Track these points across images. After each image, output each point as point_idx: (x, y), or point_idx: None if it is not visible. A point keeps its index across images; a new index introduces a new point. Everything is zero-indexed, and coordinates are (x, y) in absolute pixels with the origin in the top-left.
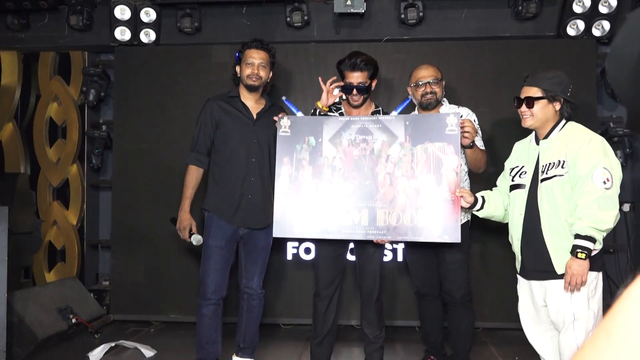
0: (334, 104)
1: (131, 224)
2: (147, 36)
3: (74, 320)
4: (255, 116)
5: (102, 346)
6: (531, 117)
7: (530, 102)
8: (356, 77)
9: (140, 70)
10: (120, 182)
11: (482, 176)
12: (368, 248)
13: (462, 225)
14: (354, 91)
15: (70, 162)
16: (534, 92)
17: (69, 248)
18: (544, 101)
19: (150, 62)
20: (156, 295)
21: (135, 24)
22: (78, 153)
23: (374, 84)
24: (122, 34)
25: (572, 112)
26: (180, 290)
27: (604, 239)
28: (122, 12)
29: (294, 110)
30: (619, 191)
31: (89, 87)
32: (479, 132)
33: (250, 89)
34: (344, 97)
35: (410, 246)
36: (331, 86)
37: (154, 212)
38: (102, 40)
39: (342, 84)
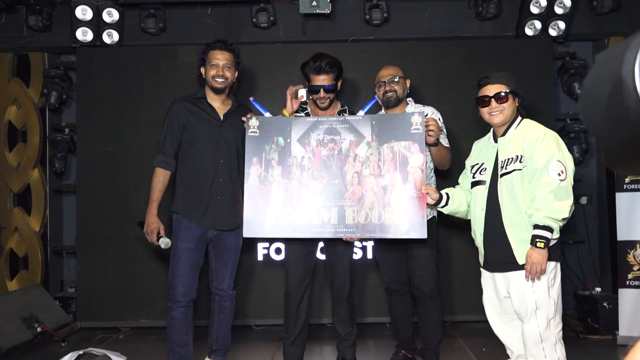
0: (300, 104)
1: (97, 228)
2: (110, 37)
3: (39, 329)
4: (222, 117)
5: (69, 355)
6: (501, 113)
7: (502, 97)
8: (322, 80)
9: (104, 72)
10: (85, 186)
11: (448, 173)
12: (338, 246)
13: (429, 221)
14: (321, 93)
15: (32, 167)
16: (502, 88)
17: (32, 255)
18: (511, 96)
19: (113, 64)
20: (124, 301)
21: (97, 25)
22: (39, 157)
23: (339, 84)
24: (84, 34)
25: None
26: (149, 294)
27: (563, 231)
28: (83, 12)
29: (261, 110)
30: (572, 182)
31: (50, 89)
32: (444, 130)
33: (216, 90)
34: (310, 97)
35: (379, 243)
36: (293, 91)
37: (120, 215)
38: (63, 41)
39: (301, 87)
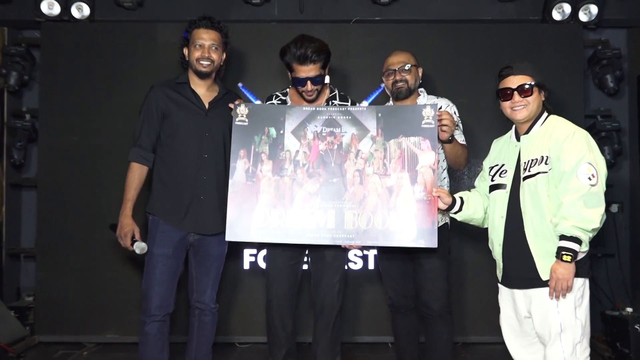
0: (278, 92)
1: (61, 229)
2: (80, 11)
3: None
4: (207, 105)
5: None
6: (526, 107)
7: (527, 90)
8: (308, 71)
9: (72, 51)
10: (48, 181)
11: (463, 174)
12: (326, 255)
13: (440, 229)
14: (308, 86)
15: None
16: (526, 79)
17: None
18: (537, 89)
19: (83, 41)
20: (90, 313)
21: None
22: None
23: (327, 71)
24: (50, 7)
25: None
26: (119, 305)
27: (591, 242)
28: None
29: (252, 98)
30: (604, 188)
31: (10, 69)
32: (460, 125)
33: (201, 75)
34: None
35: (383, 252)
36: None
37: (89, 216)
38: (26, 14)
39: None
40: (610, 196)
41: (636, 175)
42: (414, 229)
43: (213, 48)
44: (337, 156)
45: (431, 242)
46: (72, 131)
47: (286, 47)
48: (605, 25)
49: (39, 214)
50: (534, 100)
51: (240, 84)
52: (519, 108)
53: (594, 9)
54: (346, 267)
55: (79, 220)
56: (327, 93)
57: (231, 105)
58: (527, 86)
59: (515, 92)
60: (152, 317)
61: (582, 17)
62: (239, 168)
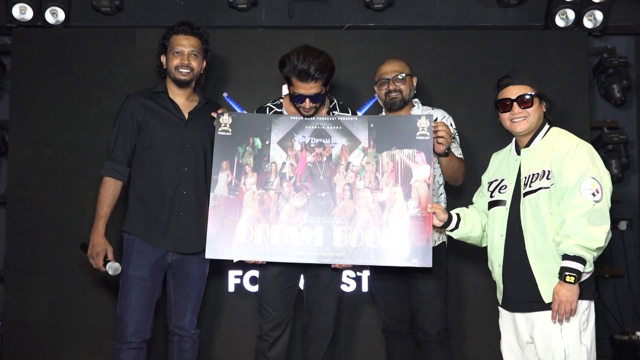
0: (270, 104)
1: (31, 249)
2: (55, 16)
3: None
4: (187, 116)
5: None
6: (526, 120)
7: (527, 101)
8: (308, 89)
9: (45, 58)
10: (17, 197)
11: (461, 190)
12: (322, 277)
13: (437, 248)
14: (307, 104)
15: None
16: (526, 89)
17: None
18: (537, 100)
19: (57, 48)
20: (62, 339)
21: (39, 1)
22: None
23: (328, 88)
24: (22, 12)
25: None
26: (92, 331)
27: (598, 262)
28: None
29: (237, 109)
30: (609, 204)
31: None
32: (457, 137)
33: (180, 84)
34: (285, 95)
35: (376, 272)
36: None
37: (62, 235)
38: None
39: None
40: (618, 212)
41: None
42: (407, 247)
43: (192, 55)
44: (326, 169)
45: (426, 261)
46: (45, 144)
47: (287, 57)
48: (611, 32)
49: (8, 233)
50: (535, 112)
51: (225, 94)
52: (519, 120)
53: (599, 15)
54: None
55: (51, 239)
56: (326, 105)
57: (214, 114)
58: (527, 97)
59: (515, 103)
60: (128, 344)
61: (587, 23)
62: (221, 181)
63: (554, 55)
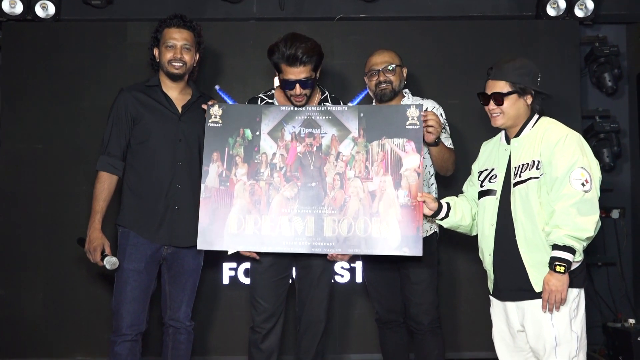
0: (262, 95)
1: (24, 244)
2: (45, 9)
3: None
4: (180, 109)
5: None
6: (501, 115)
7: (498, 98)
8: (297, 73)
9: (36, 52)
10: (9, 192)
11: (452, 180)
12: (313, 269)
13: (429, 238)
14: (297, 90)
15: None
16: (501, 86)
17: None
18: (514, 96)
19: (48, 42)
20: (56, 333)
21: None
22: None
23: (318, 73)
24: (12, 6)
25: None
26: (87, 325)
27: (591, 250)
28: None
29: (229, 101)
30: (599, 194)
31: None
32: (447, 127)
33: (173, 77)
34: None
35: (368, 262)
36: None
37: (55, 229)
38: None
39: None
40: (610, 201)
41: (637, 178)
42: (397, 236)
43: (185, 49)
44: (316, 159)
45: (416, 250)
46: (36, 138)
47: (275, 45)
48: (603, 21)
49: (1, 227)
50: (511, 107)
51: (217, 87)
52: (495, 115)
53: (590, 3)
54: (332, 281)
55: (44, 234)
56: (318, 96)
57: (204, 106)
58: (499, 95)
59: (491, 99)
60: (123, 336)
61: (578, 12)
62: (211, 172)
63: (546, 44)
